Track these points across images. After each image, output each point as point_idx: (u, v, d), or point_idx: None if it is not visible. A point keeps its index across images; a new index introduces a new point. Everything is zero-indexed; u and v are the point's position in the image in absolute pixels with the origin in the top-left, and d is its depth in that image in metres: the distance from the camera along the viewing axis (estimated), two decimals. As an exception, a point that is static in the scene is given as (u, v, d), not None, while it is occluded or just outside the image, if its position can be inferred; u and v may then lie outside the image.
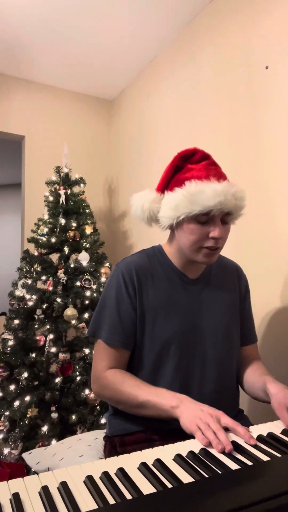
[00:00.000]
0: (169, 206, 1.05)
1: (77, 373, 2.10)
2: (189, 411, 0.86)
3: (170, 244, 1.16)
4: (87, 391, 2.06)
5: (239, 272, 1.26)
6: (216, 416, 0.83)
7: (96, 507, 0.57)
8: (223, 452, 0.74)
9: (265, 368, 1.16)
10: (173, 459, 0.71)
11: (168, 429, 0.99)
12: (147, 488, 0.61)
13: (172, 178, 1.09)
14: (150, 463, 0.69)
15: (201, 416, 0.83)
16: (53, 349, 2.10)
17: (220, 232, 1.02)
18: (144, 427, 1.04)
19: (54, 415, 2.00)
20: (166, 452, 0.73)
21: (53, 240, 2.26)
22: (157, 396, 0.93)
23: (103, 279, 2.27)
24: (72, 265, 2.23)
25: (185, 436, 0.82)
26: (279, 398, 0.93)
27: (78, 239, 2.29)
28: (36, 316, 2.14)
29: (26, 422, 1.95)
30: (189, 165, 1.08)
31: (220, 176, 1.05)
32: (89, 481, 0.62)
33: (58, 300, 2.13)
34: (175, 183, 1.06)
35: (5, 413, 1.96)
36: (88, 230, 2.37)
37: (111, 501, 0.58)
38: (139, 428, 1.05)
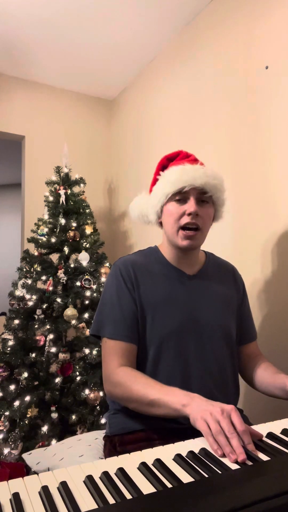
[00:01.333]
0: (152, 197, 1.16)
1: (77, 373, 2.11)
2: (199, 408, 0.82)
3: (163, 242, 1.22)
4: (87, 391, 2.06)
5: (235, 273, 1.30)
6: (227, 412, 0.79)
7: (96, 507, 0.57)
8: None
9: (270, 364, 1.19)
10: (173, 459, 0.71)
11: (169, 428, 0.99)
12: (147, 488, 0.61)
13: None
14: (150, 463, 0.69)
15: (211, 411, 0.79)
16: (53, 349, 2.10)
17: (195, 207, 1.08)
18: (144, 426, 1.04)
19: (54, 415, 2.00)
20: (166, 452, 0.73)
21: (53, 240, 2.26)
22: (167, 395, 0.91)
23: (103, 279, 2.27)
24: (72, 265, 2.23)
25: (186, 435, 0.82)
26: None
27: (78, 239, 2.29)
28: (36, 316, 2.14)
29: (26, 422, 1.95)
30: (172, 163, 1.17)
31: (195, 163, 1.14)
32: (89, 481, 0.62)
33: (58, 300, 2.13)
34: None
35: (5, 413, 1.96)
36: (88, 230, 2.37)
37: (111, 501, 0.58)
38: (139, 427, 1.05)
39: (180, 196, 1.09)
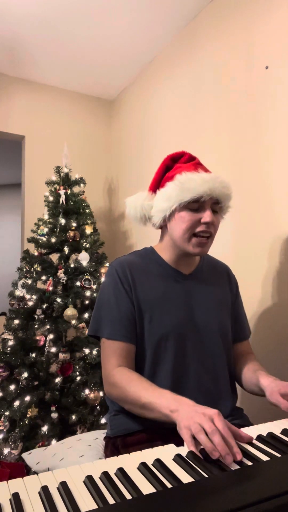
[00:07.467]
0: (162, 199, 1.11)
1: (77, 373, 2.10)
2: (184, 414, 0.81)
3: (161, 242, 1.21)
4: (87, 391, 2.06)
5: (229, 272, 1.31)
6: (210, 416, 0.77)
7: (96, 507, 0.56)
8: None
9: (257, 362, 1.19)
10: (173, 459, 0.71)
11: (169, 429, 0.99)
12: (147, 488, 0.61)
13: (163, 177, 1.16)
14: (150, 463, 0.69)
15: (194, 416, 0.78)
16: (53, 349, 2.10)
17: (211, 217, 1.07)
18: (145, 427, 1.04)
19: (54, 415, 1.99)
20: (166, 452, 0.73)
21: (53, 240, 2.26)
22: (159, 399, 0.90)
23: (103, 279, 2.27)
24: (72, 265, 2.23)
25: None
26: (271, 387, 0.97)
27: (78, 239, 2.29)
28: (36, 316, 2.14)
29: (26, 422, 1.95)
30: (178, 164, 1.15)
31: (206, 171, 1.13)
32: (89, 481, 0.62)
33: (58, 300, 2.13)
34: (166, 180, 1.13)
35: (5, 413, 1.96)
36: (88, 230, 2.37)
37: (111, 501, 0.58)
38: (140, 428, 1.05)
39: (197, 205, 1.08)
